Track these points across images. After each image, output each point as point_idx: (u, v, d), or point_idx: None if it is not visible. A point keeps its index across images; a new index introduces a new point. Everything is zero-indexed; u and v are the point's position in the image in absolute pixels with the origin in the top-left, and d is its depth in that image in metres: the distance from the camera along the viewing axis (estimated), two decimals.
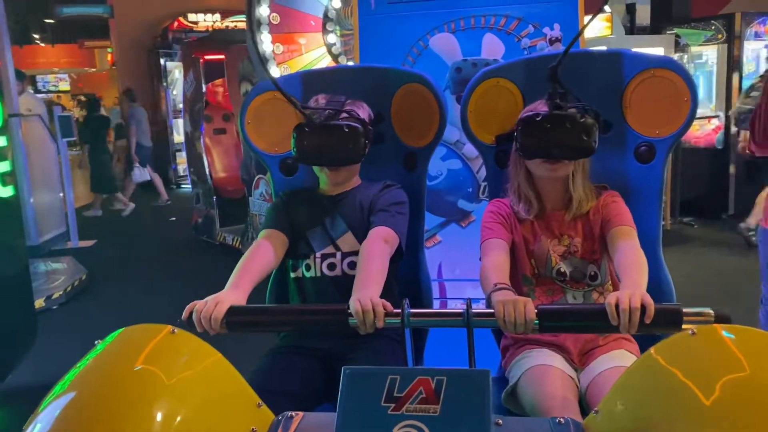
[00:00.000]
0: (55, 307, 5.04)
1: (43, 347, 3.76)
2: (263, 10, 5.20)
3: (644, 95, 1.83)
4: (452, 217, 2.78)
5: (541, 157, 1.71)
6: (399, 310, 1.37)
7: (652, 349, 1.00)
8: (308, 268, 1.86)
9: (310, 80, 2.05)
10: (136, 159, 9.17)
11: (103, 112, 10.88)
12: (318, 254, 1.85)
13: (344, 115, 1.80)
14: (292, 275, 1.89)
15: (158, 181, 9.75)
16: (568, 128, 1.64)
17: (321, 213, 1.88)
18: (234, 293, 1.54)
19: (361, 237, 1.80)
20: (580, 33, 1.59)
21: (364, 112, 1.87)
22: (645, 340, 1.72)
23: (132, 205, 9.17)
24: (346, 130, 1.77)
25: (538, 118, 1.66)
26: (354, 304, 1.39)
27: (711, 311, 1.26)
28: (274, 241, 1.81)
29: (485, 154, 1.98)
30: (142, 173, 9.23)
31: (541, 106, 1.71)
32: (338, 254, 1.84)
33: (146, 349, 1.02)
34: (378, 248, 1.70)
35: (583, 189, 1.76)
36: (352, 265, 1.81)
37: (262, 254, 1.75)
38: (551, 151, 1.69)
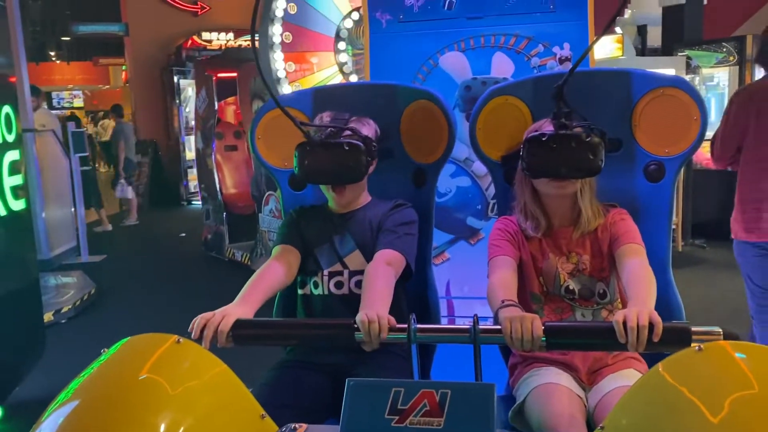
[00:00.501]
0: (63, 321, 5.05)
1: (51, 361, 3.76)
2: (276, 29, 5.27)
3: (653, 114, 1.83)
4: (461, 235, 2.78)
5: (546, 177, 1.71)
6: (405, 325, 1.37)
7: (658, 365, 0.99)
8: (316, 285, 1.86)
9: (322, 96, 2.07)
10: (123, 175, 9.21)
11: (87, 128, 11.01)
12: (325, 272, 1.85)
13: (347, 132, 1.79)
14: (300, 292, 1.89)
15: (134, 202, 9.76)
16: (573, 148, 1.63)
17: (330, 230, 1.88)
18: (241, 307, 1.54)
19: (369, 256, 1.80)
20: (587, 52, 1.59)
21: (368, 128, 1.87)
22: (654, 359, 1.70)
23: (109, 227, 9.11)
24: (347, 148, 1.76)
25: (543, 138, 1.66)
26: (360, 317, 1.39)
27: (720, 330, 1.25)
28: (288, 257, 1.81)
29: (494, 170, 1.98)
30: (124, 190, 9.25)
31: (546, 125, 1.71)
32: (346, 272, 1.84)
33: (152, 358, 1.02)
34: (382, 270, 1.69)
35: (591, 206, 1.75)
36: (360, 284, 1.80)
37: (274, 271, 1.75)
38: (557, 170, 1.68)
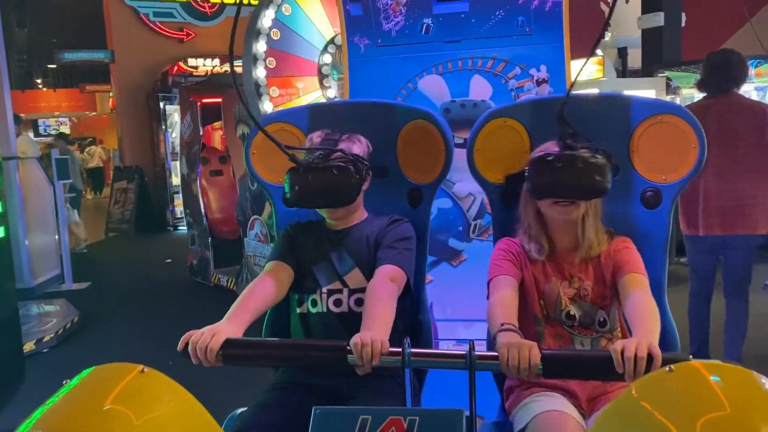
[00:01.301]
0: (45, 350, 4.96)
1: (31, 391, 3.70)
2: (260, 55, 5.29)
3: (652, 140, 1.83)
4: (443, 257, 2.77)
5: (552, 197, 1.69)
6: (399, 349, 1.34)
7: (631, 387, 0.98)
8: (314, 303, 1.83)
9: (318, 113, 2.07)
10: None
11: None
12: (324, 289, 1.83)
13: (338, 153, 1.78)
14: (298, 310, 1.87)
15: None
16: (580, 168, 1.62)
17: (327, 247, 1.87)
18: (231, 326, 1.51)
19: (368, 273, 1.78)
20: (578, 75, 1.61)
21: (359, 147, 1.86)
22: None
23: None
24: (335, 172, 1.75)
25: (549, 158, 1.65)
26: (354, 339, 1.37)
27: (720, 363, 1.24)
28: (279, 273, 1.79)
29: (491, 192, 1.97)
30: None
31: (552, 147, 1.70)
32: (345, 290, 1.82)
33: (116, 388, 1.00)
34: (385, 288, 1.67)
35: (594, 231, 1.73)
36: (360, 302, 1.79)
37: (264, 288, 1.72)
38: (563, 191, 1.67)
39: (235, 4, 12.83)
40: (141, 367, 1.04)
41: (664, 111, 1.83)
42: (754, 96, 7.39)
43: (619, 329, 1.75)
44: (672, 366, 0.97)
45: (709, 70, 3.61)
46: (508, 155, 1.90)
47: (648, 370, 1.26)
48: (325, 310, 1.81)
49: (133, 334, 5.36)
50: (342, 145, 1.81)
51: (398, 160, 2.00)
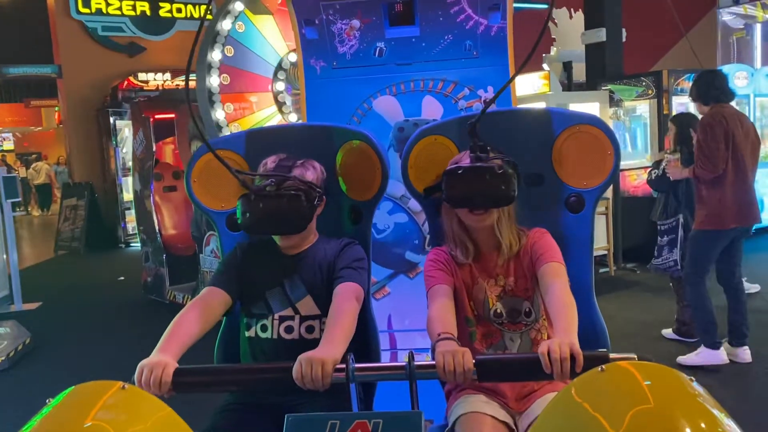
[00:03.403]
0: None
1: None
2: (213, 71, 5.32)
3: (572, 149, 1.97)
4: (400, 269, 2.87)
5: (465, 207, 1.82)
6: (344, 366, 1.43)
7: (569, 386, 1.10)
8: (264, 328, 1.86)
9: (256, 138, 2.11)
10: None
11: None
12: (276, 315, 1.85)
13: (290, 181, 1.80)
14: (246, 334, 1.88)
15: None
16: (487, 179, 1.75)
17: (280, 273, 1.88)
18: (164, 358, 1.54)
19: (319, 300, 1.83)
20: (499, 93, 1.74)
21: (312, 173, 1.87)
22: None
23: None
24: (287, 200, 1.77)
25: (459, 171, 1.78)
26: (296, 366, 1.44)
27: (635, 356, 1.37)
28: (211, 301, 1.80)
29: (426, 206, 2.08)
30: None
31: (464, 158, 1.83)
32: (297, 317, 1.85)
33: (97, 405, 1.05)
34: (350, 306, 1.73)
35: (510, 233, 1.86)
36: (310, 329, 1.84)
37: (190, 320, 1.72)
38: (473, 200, 1.80)
39: (187, 18, 12.75)
40: (122, 383, 1.10)
41: (581, 122, 1.98)
42: (692, 108, 7.76)
43: (543, 317, 1.87)
44: (603, 366, 1.09)
45: (707, 84, 4.15)
46: (439, 170, 1.99)
47: (572, 367, 1.39)
48: (275, 336, 1.84)
49: (87, 354, 5.28)
50: (296, 172, 1.82)
51: (338, 180, 2.06)
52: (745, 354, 4.16)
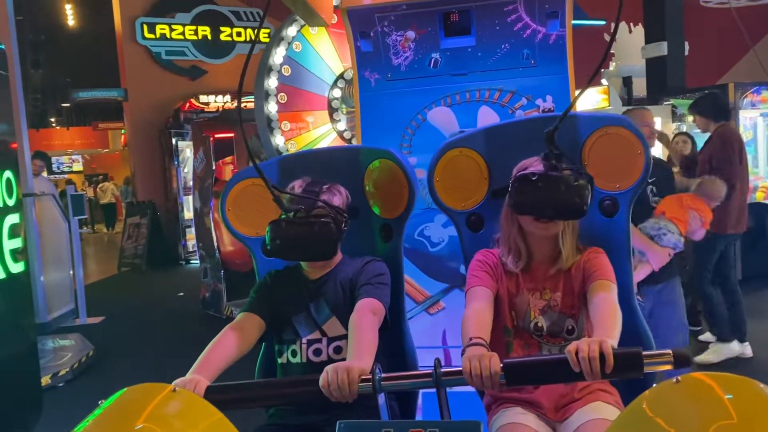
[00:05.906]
0: (61, 385, 5.01)
1: (49, 425, 3.73)
2: (272, 90, 5.41)
3: (600, 152, 1.91)
4: (455, 283, 2.81)
5: (532, 215, 1.76)
6: (370, 376, 1.40)
7: (640, 400, 1.02)
8: (294, 354, 1.88)
9: (287, 165, 2.14)
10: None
11: None
12: (304, 340, 1.87)
13: (320, 204, 1.82)
14: (279, 361, 1.91)
15: None
16: (561, 190, 1.69)
17: (306, 298, 1.91)
18: (195, 376, 1.56)
19: (344, 321, 1.81)
20: (571, 106, 1.68)
21: (339, 198, 1.90)
22: (628, 388, 1.73)
23: None
24: (317, 228, 1.79)
25: (533, 177, 1.71)
26: (322, 375, 1.42)
27: (670, 352, 1.29)
28: (246, 325, 1.83)
29: (456, 219, 2.04)
30: None
31: (536, 163, 1.77)
32: (324, 340, 1.86)
33: (148, 407, 1.04)
34: (367, 320, 1.72)
35: (571, 246, 1.80)
36: (338, 350, 1.84)
37: (226, 343, 1.76)
38: (543, 210, 1.74)
39: (246, 42, 13.09)
40: (172, 386, 1.09)
41: (608, 123, 1.91)
42: (760, 122, 7.45)
43: (586, 336, 1.79)
44: (679, 377, 1.01)
45: (717, 103, 4.73)
46: (466, 183, 1.99)
47: (602, 367, 1.32)
48: (305, 360, 1.85)
49: (147, 367, 5.39)
50: (324, 197, 1.85)
51: (366, 199, 2.07)
52: (746, 349, 4.58)
